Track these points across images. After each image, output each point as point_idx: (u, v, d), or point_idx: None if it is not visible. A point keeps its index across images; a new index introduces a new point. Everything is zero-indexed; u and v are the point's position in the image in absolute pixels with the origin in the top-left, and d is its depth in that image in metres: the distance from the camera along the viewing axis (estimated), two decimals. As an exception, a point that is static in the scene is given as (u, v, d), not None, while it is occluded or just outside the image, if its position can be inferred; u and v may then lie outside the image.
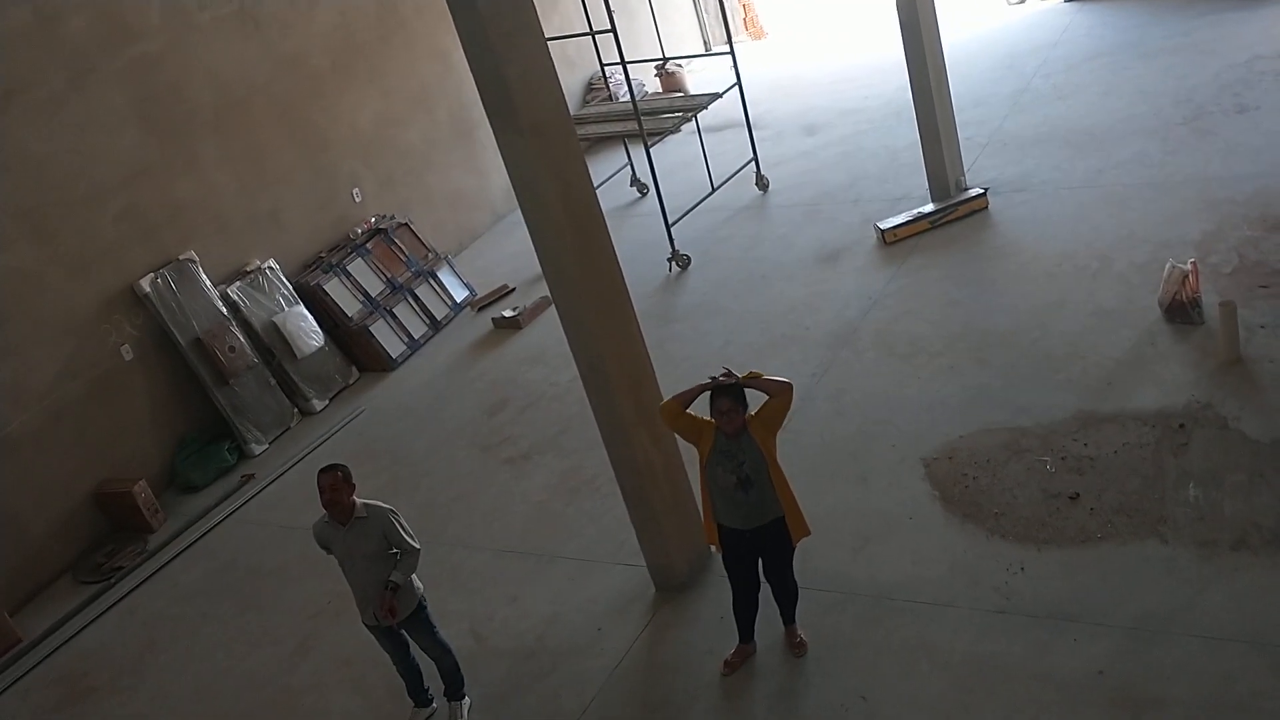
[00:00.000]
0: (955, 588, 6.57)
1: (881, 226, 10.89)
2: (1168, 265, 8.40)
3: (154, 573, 9.36)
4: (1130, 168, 10.80)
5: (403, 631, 6.55)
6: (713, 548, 6.43)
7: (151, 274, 10.55)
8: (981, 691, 5.85)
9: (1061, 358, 8.32)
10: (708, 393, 5.98)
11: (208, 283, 10.93)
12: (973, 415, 7.98)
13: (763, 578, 6.36)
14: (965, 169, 11.37)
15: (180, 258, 10.82)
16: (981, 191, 10.98)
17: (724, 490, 6.01)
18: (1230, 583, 6.05)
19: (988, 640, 6.14)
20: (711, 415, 5.95)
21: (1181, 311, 8.25)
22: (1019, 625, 6.18)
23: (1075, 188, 10.79)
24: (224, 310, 10.92)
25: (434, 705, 6.85)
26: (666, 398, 6.26)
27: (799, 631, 6.48)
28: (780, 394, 5.95)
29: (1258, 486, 6.60)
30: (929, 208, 10.98)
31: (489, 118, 6.18)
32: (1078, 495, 6.97)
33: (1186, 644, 5.76)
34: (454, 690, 6.75)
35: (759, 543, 6.15)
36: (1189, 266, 8.23)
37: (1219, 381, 7.58)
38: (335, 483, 6.22)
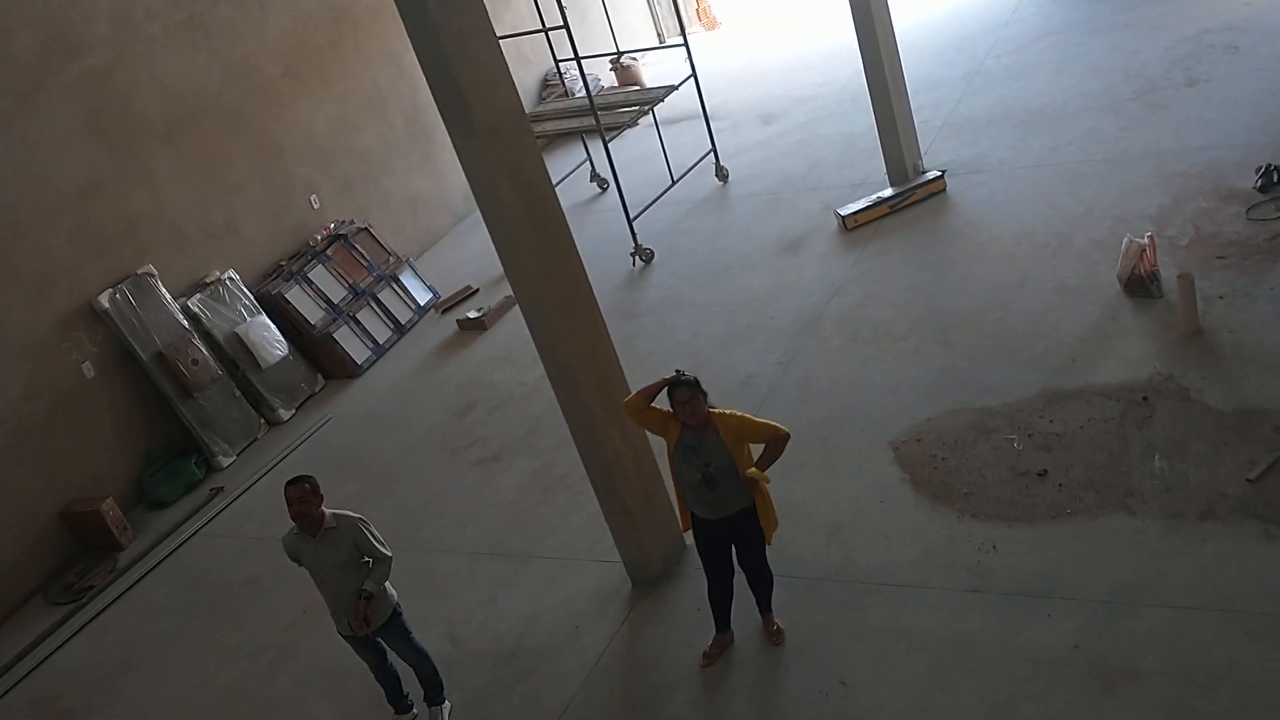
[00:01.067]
0: (928, 569, 6.61)
1: (842, 213, 10.93)
2: (1125, 240, 8.48)
3: (125, 590, 9.26)
4: (1085, 144, 10.90)
5: (379, 639, 6.52)
6: (687, 535, 6.45)
7: (110, 290, 10.43)
8: (958, 671, 5.90)
9: (1024, 336, 8.38)
10: (670, 394, 5.99)
11: (167, 296, 10.82)
12: (939, 397, 8.03)
13: (737, 566, 6.37)
14: (922, 152, 11.43)
15: (138, 272, 10.71)
16: (939, 174, 11.04)
17: (690, 485, 6.06)
18: (1199, 552, 6.12)
19: (963, 620, 6.19)
20: (672, 408, 5.97)
21: (1140, 285, 8.33)
22: (993, 604, 6.23)
23: (1031, 166, 10.87)
24: (185, 323, 10.82)
25: (414, 711, 6.82)
26: (632, 394, 6.27)
27: (775, 620, 6.50)
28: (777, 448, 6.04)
29: (1222, 456, 6.68)
30: (888, 192, 11.03)
31: (444, 120, 6.15)
32: (1045, 472, 7.03)
33: (1158, 615, 5.83)
34: (433, 695, 6.72)
35: (730, 531, 6.17)
36: (1146, 240, 8.31)
37: (1180, 353, 7.66)
38: (303, 494, 6.18)
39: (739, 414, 6.04)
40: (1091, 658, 5.71)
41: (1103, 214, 9.58)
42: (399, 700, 6.79)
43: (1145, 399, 7.33)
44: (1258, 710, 5.17)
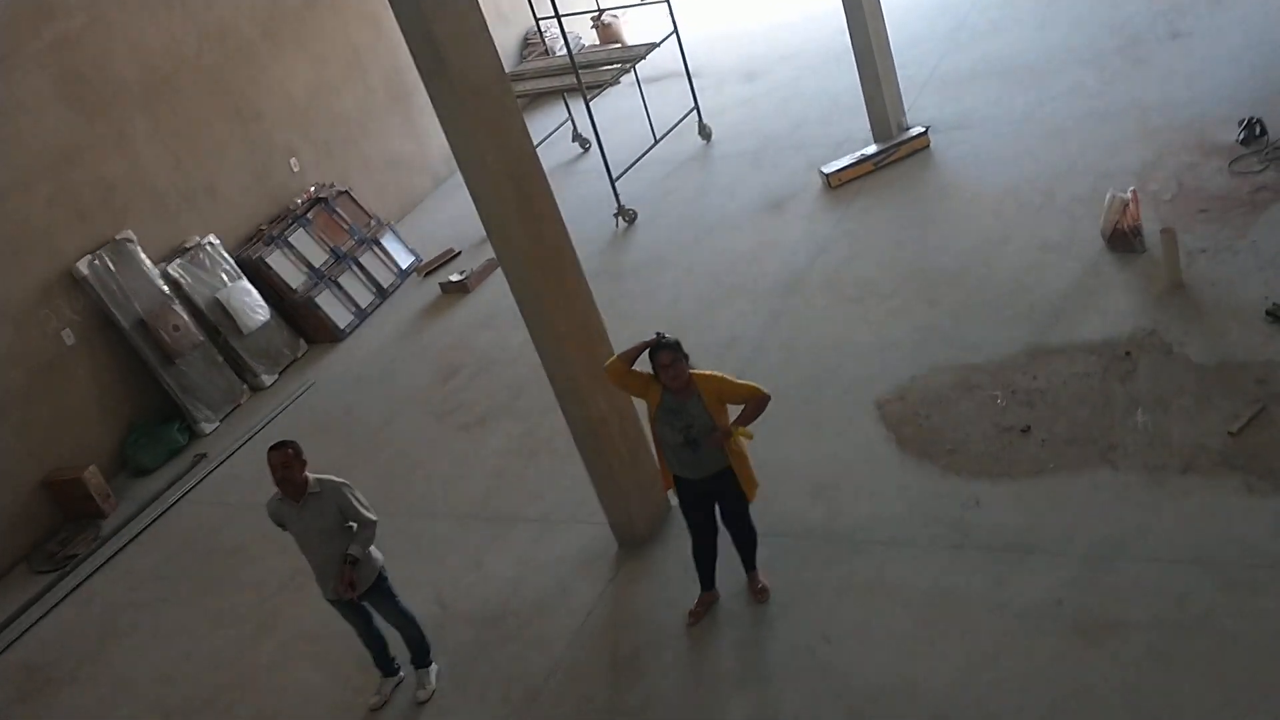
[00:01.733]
0: (913, 526, 6.64)
1: (825, 171, 10.87)
2: (1109, 195, 8.46)
3: (109, 558, 9.25)
4: (1068, 99, 10.85)
5: (365, 604, 6.51)
6: (671, 496, 6.45)
7: (88, 256, 10.33)
8: (943, 626, 5.93)
9: (1009, 293, 8.38)
10: (652, 356, 5.95)
11: (147, 262, 10.73)
12: (924, 355, 8.03)
13: (721, 524, 6.38)
14: (905, 109, 11.36)
15: (117, 238, 10.60)
16: (923, 131, 10.99)
17: (672, 447, 6.06)
18: (1180, 505, 6.16)
19: (947, 575, 6.22)
20: (654, 371, 5.94)
21: (1124, 240, 8.32)
22: (977, 559, 6.26)
23: (1015, 122, 10.83)
24: (165, 289, 10.73)
25: (401, 674, 6.84)
26: (613, 357, 6.24)
27: (760, 577, 6.52)
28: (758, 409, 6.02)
29: (1204, 409, 6.70)
30: (872, 149, 10.97)
31: (423, 79, 6.08)
32: (1029, 428, 7.05)
33: (1141, 568, 5.86)
34: (420, 658, 6.74)
35: (713, 490, 6.18)
36: (1129, 195, 8.29)
37: (1163, 308, 7.67)
38: (286, 460, 6.15)
39: (719, 375, 6.03)
40: (1074, 611, 5.75)
41: (1086, 169, 9.55)
42: (386, 664, 6.80)
43: (1128, 354, 7.34)
44: (1236, 659, 5.22)
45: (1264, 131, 9.02)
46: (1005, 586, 6.03)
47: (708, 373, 6.02)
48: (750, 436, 6.09)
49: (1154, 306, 7.71)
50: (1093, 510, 6.32)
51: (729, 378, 6.06)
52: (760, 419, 6.03)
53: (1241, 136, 9.08)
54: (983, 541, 6.37)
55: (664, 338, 5.94)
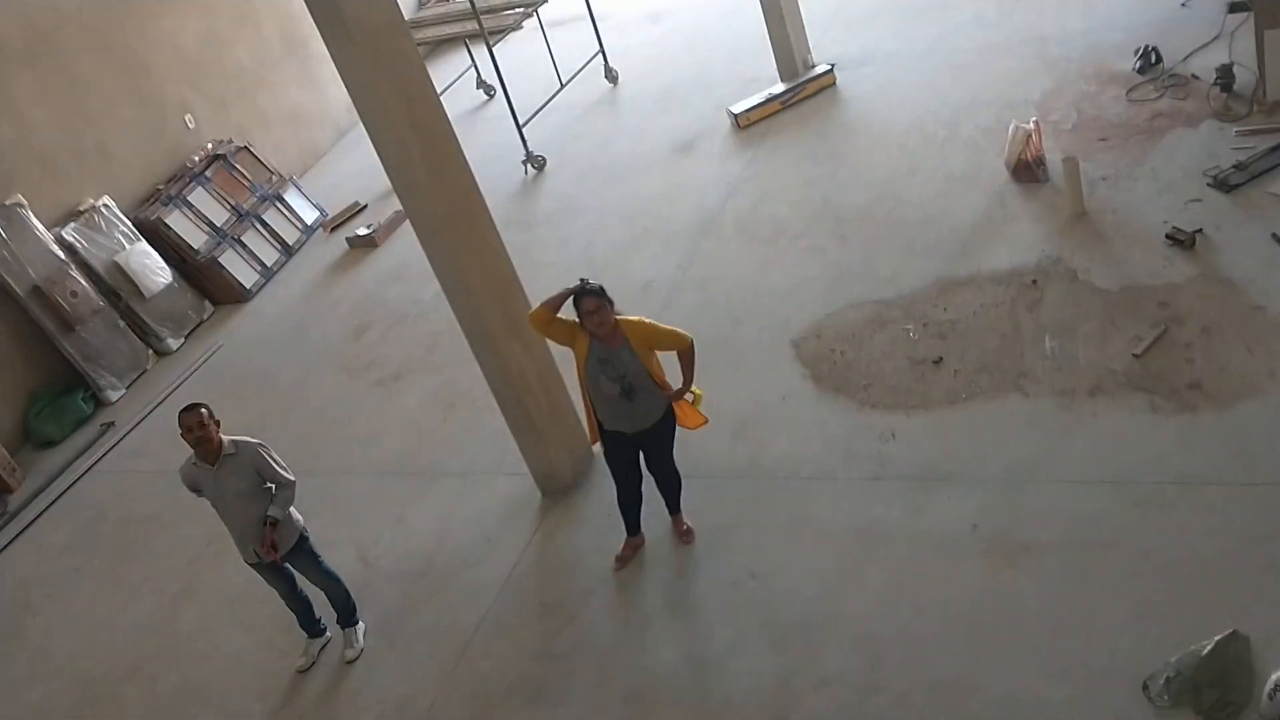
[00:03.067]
0: (832, 461, 6.73)
1: (734, 111, 10.84)
2: (1011, 126, 8.57)
3: (19, 534, 8.99)
4: (969, 31, 10.94)
5: (287, 566, 6.43)
6: (595, 446, 6.43)
7: (-25, 224, 9.94)
8: (864, 557, 6.04)
9: (917, 227, 8.47)
10: (576, 304, 5.87)
11: (40, 227, 10.33)
12: (837, 292, 8.10)
13: (645, 471, 6.40)
14: (811, 47, 11.35)
15: (6, 203, 10.19)
16: (829, 68, 11.00)
17: (608, 398, 5.98)
18: (1090, 427, 6.32)
19: (867, 507, 6.32)
20: (579, 318, 5.88)
21: (1027, 171, 8.45)
22: (895, 490, 6.37)
23: (918, 56, 10.90)
24: (61, 254, 10.36)
25: (328, 635, 6.78)
26: (535, 305, 6.16)
27: (685, 520, 6.57)
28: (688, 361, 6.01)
29: (1109, 333, 6.87)
30: (779, 88, 10.97)
31: (318, 27, 5.89)
32: (941, 359, 7.16)
33: (1054, 490, 6.02)
34: (346, 617, 6.68)
35: (641, 439, 6.18)
36: (1031, 126, 8.41)
37: (1067, 235, 7.82)
38: (201, 420, 6.01)
39: (644, 321, 5.99)
40: (991, 535, 5.89)
41: (989, 101, 9.66)
42: (312, 625, 6.73)
43: (1035, 282, 7.48)
44: (1149, 573, 5.39)
45: (1159, 59, 9.20)
46: (923, 515, 6.15)
47: (633, 319, 5.96)
48: (700, 394, 6.10)
49: (1059, 235, 7.85)
50: (1006, 436, 6.46)
51: (655, 323, 6.03)
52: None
53: (1138, 65, 9.24)
54: (900, 472, 6.48)
55: (587, 284, 5.87)
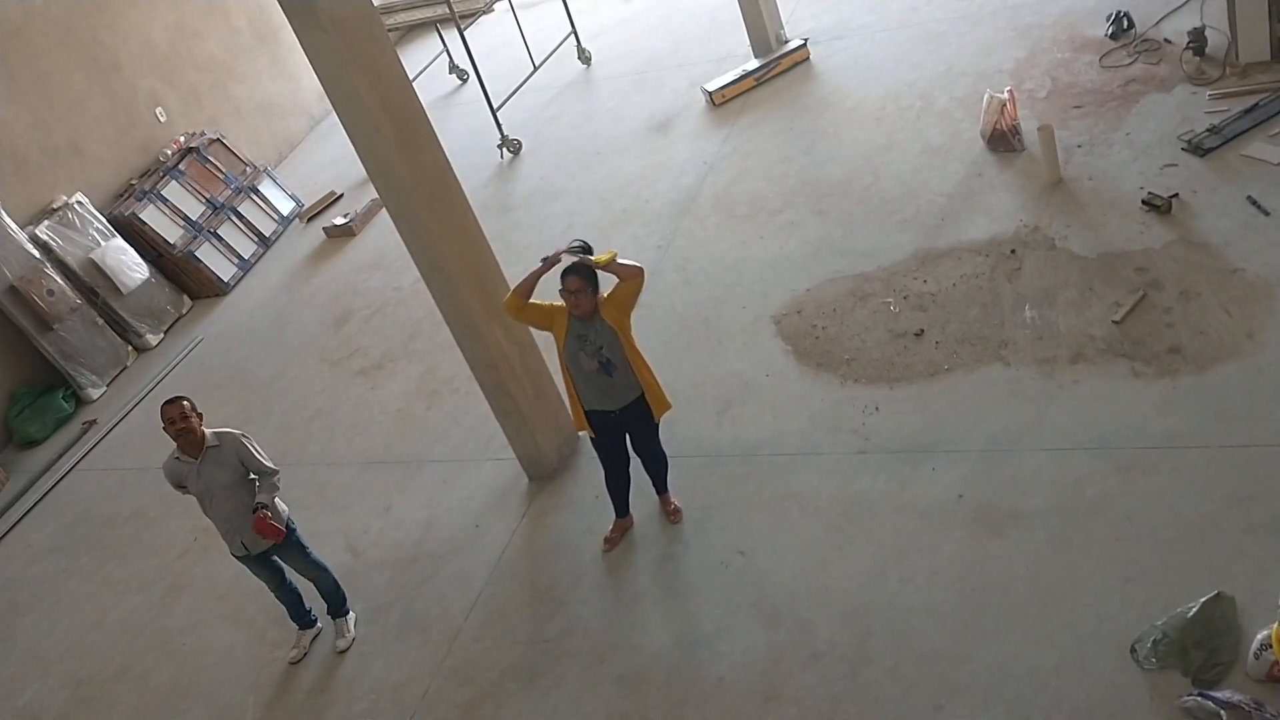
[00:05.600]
0: (816, 436, 6.74)
1: (709, 88, 10.82)
2: (986, 95, 8.57)
3: (4, 535, 8.95)
4: (941, 2, 10.91)
5: (276, 558, 6.41)
6: (582, 432, 6.42)
7: (-53, 224, 9.85)
8: (851, 530, 6.06)
9: (895, 199, 8.47)
10: (562, 279, 5.84)
11: (13, 226, 10.25)
12: (817, 267, 8.10)
13: (632, 452, 6.40)
14: (784, 22, 11.33)
15: (-23, 203, 10.13)
16: (802, 43, 10.98)
17: (586, 375, 5.97)
18: (1072, 394, 6.34)
19: (852, 481, 6.34)
20: (561, 297, 5.86)
21: (1003, 140, 8.45)
22: (880, 463, 6.39)
23: (891, 29, 10.87)
24: (35, 253, 10.29)
25: (319, 625, 6.77)
26: (509, 291, 6.12)
27: (672, 499, 6.58)
28: (632, 278, 5.86)
29: (1088, 300, 6.89)
30: (753, 64, 10.94)
31: (287, 16, 5.84)
32: (922, 332, 7.18)
33: (1037, 458, 6.04)
34: (336, 607, 6.67)
35: (625, 419, 6.17)
36: (1006, 95, 8.41)
37: (1044, 204, 7.83)
38: (184, 412, 5.98)
39: (607, 295, 5.97)
40: (976, 505, 5.91)
41: (963, 71, 9.66)
42: (302, 616, 6.72)
43: (1013, 251, 7.50)
44: (1132, 538, 5.42)
45: (1131, 25, 9.21)
46: (909, 487, 6.17)
47: (603, 295, 5.95)
48: (613, 254, 5.90)
49: (1036, 203, 7.87)
50: (988, 406, 6.48)
51: (615, 290, 5.98)
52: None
53: (1110, 30, 9.25)
54: (884, 445, 6.50)
55: (580, 245, 5.82)
